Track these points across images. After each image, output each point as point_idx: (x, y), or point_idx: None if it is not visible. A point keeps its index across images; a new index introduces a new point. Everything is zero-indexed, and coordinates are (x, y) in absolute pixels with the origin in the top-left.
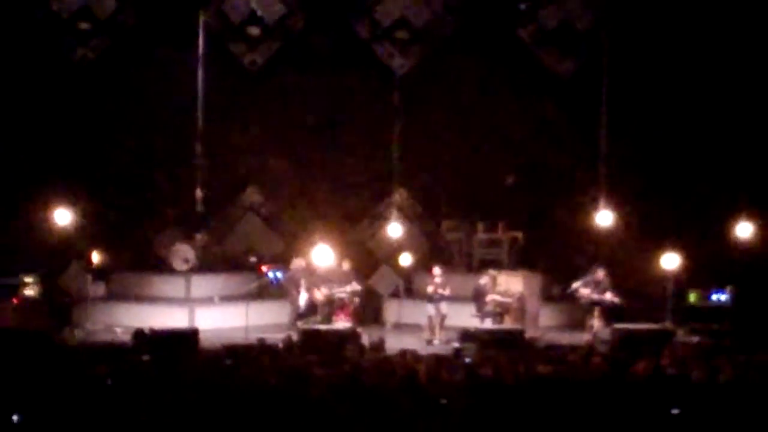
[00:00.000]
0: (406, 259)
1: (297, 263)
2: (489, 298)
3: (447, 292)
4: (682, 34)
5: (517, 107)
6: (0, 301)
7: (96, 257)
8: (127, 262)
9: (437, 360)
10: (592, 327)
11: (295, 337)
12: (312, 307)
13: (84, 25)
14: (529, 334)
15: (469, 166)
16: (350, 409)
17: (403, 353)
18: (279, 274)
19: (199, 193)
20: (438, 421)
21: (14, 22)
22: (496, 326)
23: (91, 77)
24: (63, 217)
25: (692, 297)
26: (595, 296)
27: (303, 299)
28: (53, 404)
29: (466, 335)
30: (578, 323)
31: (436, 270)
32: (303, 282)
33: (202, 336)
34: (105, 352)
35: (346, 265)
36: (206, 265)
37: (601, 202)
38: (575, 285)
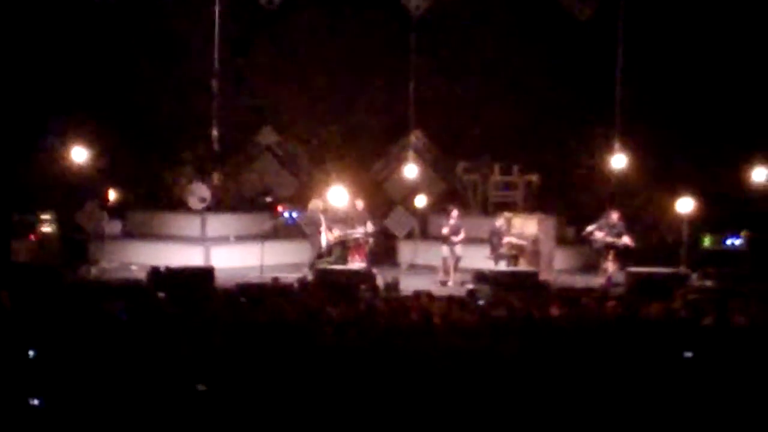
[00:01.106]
0: (421, 201)
1: (315, 204)
2: (504, 240)
3: (462, 234)
4: None
5: (534, 49)
6: (17, 238)
7: (112, 195)
8: (143, 200)
9: (451, 301)
10: (606, 270)
11: (309, 276)
12: (328, 248)
13: None
14: (543, 276)
15: (485, 109)
16: (364, 348)
17: (417, 294)
18: (294, 214)
19: (215, 131)
20: (451, 362)
21: None
22: (510, 268)
23: (109, 13)
24: (79, 154)
25: (707, 241)
26: (609, 239)
27: (324, 239)
28: (69, 340)
29: (481, 277)
30: (592, 266)
31: (452, 212)
32: (320, 222)
33: (217, 274)
34: (121, 289)
35: (360, 206)
36: (222, 204)
37: (616, 146)
38: (589, 228)
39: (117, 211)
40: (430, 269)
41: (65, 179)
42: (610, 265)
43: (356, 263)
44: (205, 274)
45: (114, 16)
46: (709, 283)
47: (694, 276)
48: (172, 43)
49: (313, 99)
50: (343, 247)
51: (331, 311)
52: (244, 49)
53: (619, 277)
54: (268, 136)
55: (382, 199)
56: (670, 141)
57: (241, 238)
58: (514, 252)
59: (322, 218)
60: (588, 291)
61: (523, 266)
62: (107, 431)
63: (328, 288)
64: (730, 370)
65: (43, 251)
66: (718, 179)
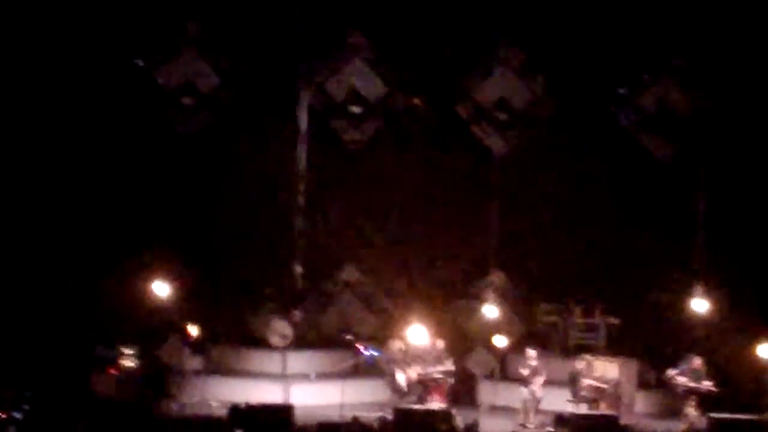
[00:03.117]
0: (501, 341)
1: (395, 344)
2: (584, 383)
3: (542, 376)
4: None
5: (616, 190)
6: (99, 372)
7: (194, 330)
8: (223, 337)
9: None
10: (687, 416)
11: (389, 416)
12: (407, 387)
13: (187, 100)
14: (624, 420)
15: (567, 249)
16: None
17: None
18: (374, 352)
19: (297, 269)
20: None
21: (122, 92)
22: (591, 412)
23: (193, 150)
24: (161, 289)
25: None
26: (691, 384)
27: (402, 379)
28: None
29: (561, 420)
30: (674, 411)
31: (531, 353)
32: (400, 361)
33: (297, 412)
34: (201, 425)
35: (440, 345)
36: (302, 341)
37: (697, 289)
38: (671, 372)
39: (198, 347)
40: (510, 411)
41: (148, 314)
42: (691, 411)
43: (435, 403)
44: (285, 411)
45: (199, 149)
46: None
47: None
48: (258, 181)
49: (395, 238)
50: (423, 386)
51: None
52: (328, 187)
53: (701, 423)
54: (349, 274)
55: (462, 339)
56: (753, 284)
57: (321, 376)
58: (594, 395)
59: (401, 357)
60: None
61: (603, 410)
62: None
63: (408, 428)
64: None
65: (123, 386)
66: None
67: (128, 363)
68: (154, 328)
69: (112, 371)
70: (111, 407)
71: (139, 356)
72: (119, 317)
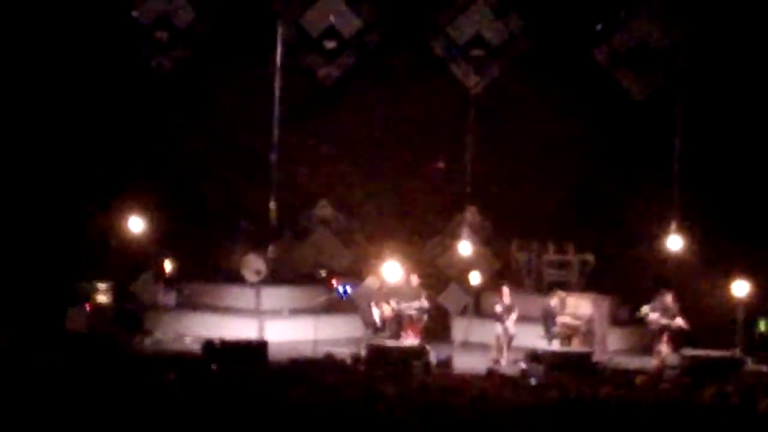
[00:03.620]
0: (475, 278)
1: (370, 280)
2: (557, 319)
3: (516, 313)
4: (760, 60)
5: (592, 128)
6: (73, 307)
7: (168, 266)
8: (198, 272)
9: (504, 380)
10: (660, 352)
11: (362, 352)
12: (382, 323)
13: (162, 35)
14: (597, 357)
15: (541, 187)
16: (416, 427)
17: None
18: (348, 289)
19: (272, 205)
20: None
21: (94, 26)
22: (563, 349)
23: (167, 86)
24: (136, 225)
25: (762, 325)
26: (664, 321)
27: (376, 315)
28: (122, 409)
29: (533, 357)
30: (646, 348)
31: (505, 290)
32: (374, 297)
33: (270, 348)
34: (175, 360)
35: (415, 282)
36: (277, 277)
37: (672, 227)
38: (644, 309)
39: (172, 282)
40: (483, 347)
41: (121, 250)
42: (664, 347)
43: (409, 339)
44: (259, 347)
45: (174, 87)
46: (763, 368)
47: (749, 360)
48: (232, 116)
49: (370, 174)
50: (397, 322)
51: (384, 388)
52: (303, 123)
53: (673, 360)
54: (323, 210)
55: (437, 276)
56: (727, 223)
57: (295, 312)
58: (567, 332)
59: (376, 294)
60: (641, 373)
61: (576, 346)
62: None
63: (381, 364)
64: None
65: (97, 320)
66: None
67: (103, 298)
68: (129, 264)
69: (87, 306)
70: (85, 342)
71: (113, 292)
72: (94, 253)
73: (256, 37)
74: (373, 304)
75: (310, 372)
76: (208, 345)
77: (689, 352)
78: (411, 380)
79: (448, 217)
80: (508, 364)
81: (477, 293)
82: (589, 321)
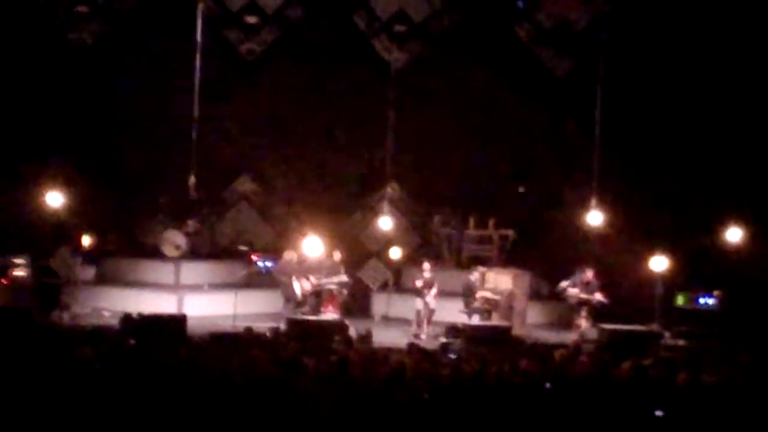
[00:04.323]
0: (395, 253)
1: (289, 254)
2: (478, 294)
3: (436, 287)
4: (679, 34)
5: (512, 104)
6: None
7: (86, 241)
8: (117, 247)
9: (423, 354)
10: (579, 326)
11: (282, 326)
12: (302, 298)
13: (82, 8)
14: (517, 331)
15: (462, 162)
16: (338, 400)
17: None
18: (269, 264)
19: (192, 179)
20: (422, 416)
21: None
22: (483, 323)
23: (87, 60)
24: (55, 199)
25: (680, 300)
26: (583, 296)
27: (297, 289)
28: (39, 385)
29: (453, 331)
30: (566, 322)
31: (426, 265)
32: (293, 272)
33: (189, 323)
34: (92, 334)
35: (336, 257)
36: (196, 252)
37: (592, 202)
38: (563, 284)
39: (91, 257)
40: (404, 321)
41: (39, 224)
42: (583, 322)
43: (329, 314)
44: (178, 321)
45: (92, 59)
46: (681, 341)
47: (667, 334)
48: (151, 89)
49: (290, 149)
50: (317, 297)
51: (304, 362)
52: (224, 98)
53: (592, 334)
54: (244, 185)
55: (358, 251)
56: (646, 198)
57: (214, 287)
58: (487, 306)
59: (296, 268)
60: (560, 347)
61: (496, 321)
62: None
63: (301, 338)
64: (702, 430)
65: (15, 295)
66: (693, 238)
67: (20, 273)
68: (47, 238)
69: (4, 281)
70: (2, 316)
71: (30, 266)
72: (11, 227)
73: (177, 12)
74: (293, 278)
75: (230, 346)
76: (127, 319)
77: (608, 326)
78: (331, 354)
79: (368, 193)
80: (428, 339)
81: (397, 268)
82: (509, 295)
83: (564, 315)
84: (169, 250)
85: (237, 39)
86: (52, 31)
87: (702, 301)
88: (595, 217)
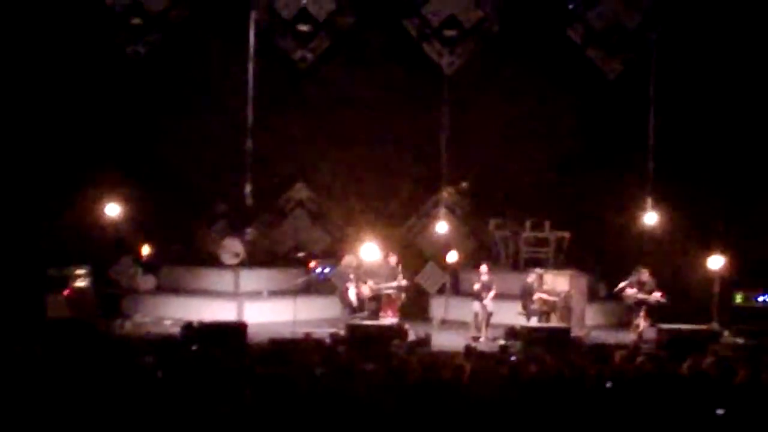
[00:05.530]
0: (452, 257)
1: (348, 259)
2: (535, 296)
3: (493, 290)
4: (730, 31)
5: (566, 106)
6: (51, 292)
7: (146, 250)
8: (176, 256)
9: (483, 358)
10: (637, 327)
11: (341, 332)
12: (360, 303)
13: (136, 20)
14: (575, 332)
15: (517, 165)
16: (396, 405)
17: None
18: (326, 270)
19: (248, 187)
20: (483, 419)
21: (70, 14)
22: (541, 324)
23: (143, 72)
24: (113, 210)
25: (738, 298)
26: (641, 296)
27: (353, 295)
28: (102, 395)
29: (512, 333)
30: (624, 323)
31: (483, 268)
32: (352, 278)
33: (250, 330)
34: (154, 343)
35: (393, 261)
36: (255, 259)
37: (649, 203)
38: (621, 285)
39: (151, 266)
40: (462, 325)
41: (99, 235)
42: (641, 322)
43: (388, 318)
44: (238, 329)
45: (150, 71)
46: (740, 340)
47: (726, 333)
48: (208, 99)
49: (345, 155)
50: (376, 302)
51: (363, 366)
52: (278, 106)
53: (651, 334)
54: (300, 192)
55: (415, 255)
56: (702, 198)
57: (273, 294)
58: (545, 308)
59: (354, 274)
60: (619, 347)
61: (554, 322)
62: None
63: (361, 343)
64: (763, 428)
65: (76, 306)
66: (750, 236)
67: (81, 284)
68: (107, 249)
69: (65, 292)
70: (65, 328)
71: (92, 277)
72: (72, 238)
73: (230, 22)
74: (351, 284)
75: (290, 352)
76: (188, 327)
77: (666, 326)
78: (390, 359)
79: (425, 198)
80: (487, 342)
81: (455, 272)
82: (567, 297)
83: (622, 315)
84: (228, 258)
85: (290, 47)
86: (107, 43)
87: (760, 299)
88: (651, 218)
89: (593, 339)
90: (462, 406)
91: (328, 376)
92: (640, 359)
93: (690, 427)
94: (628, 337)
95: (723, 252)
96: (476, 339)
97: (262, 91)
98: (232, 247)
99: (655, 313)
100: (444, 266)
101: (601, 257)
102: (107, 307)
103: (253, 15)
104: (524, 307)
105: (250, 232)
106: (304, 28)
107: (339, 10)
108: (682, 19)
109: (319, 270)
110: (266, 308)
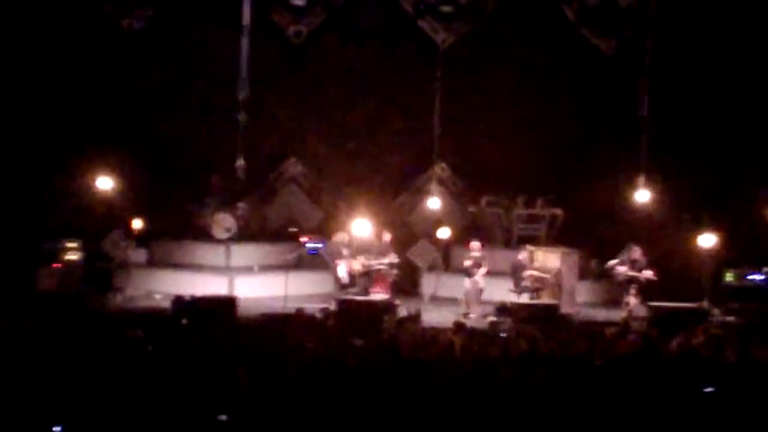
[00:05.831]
0: (444, 233)
1: (339, 235)
2: (526, 273)
3: (485, 267)
4: (726, 7)
5: (559, 83)
6: (42, 266)
7: (137, 224)
8: (168, 230)
9: (473, 333)
10: (627, 304)
11: (332, 307)
12: (351, 279)
13: None
14: (565, 309)
15: (510, 142)
16: (387, 379)
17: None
18: (318, 245)
19: (240, 162)
20: (472, 394)
21: None
22: (532, 301)
23: (136, 45)
24: (105, 183)
25: (729, 277)
26: (632, 273)
27: (342, 271)
28: (92, 368)
29: (503, 310)
30: (614, 300)
31: (474, 244)
32: (343, 253)
33: (240, 304)
34: (144, 317)
35: (385, 237)
36: (246, 234)
37: (640, 181)
38: (612, 262)
39: (142, 240)
40: (453, 301)
41: (90, 208)
42: (631, 299)
43: (379, 294)
44: (229, 303)
45: (141, 46)
46: (730, 318)
47: (716, 311)
48: (199, 74)
49: (338, 131)
50: (367, 277)
51: (354, 341)
52: (271, 80)
53: (641, 312)
54: (292, 168)
55: (406, 231)
56: (694, 176)
57: (265, 269)
58: (536, 285)
59: (345, 250)
60: (609, 325)
61: (545, 299)
62: None
63: (351, 318)
64: (752, 406)
65: (67, 279)
66: (742, 215)
67: (72, 257)
68: (98, 222)
69: (56, 265)
70: (55, 301)
71: (82, 250)
72: (63, 212)
73: None
74: (341, 260)
75: (280, 327)
76: (178, 301)
77: (656, 303)
78: (381, 334)
79: (417, 174)
80: (478, 318)
81: (446, 248)
82: (558, 274)
83: (613, 293)
84: (219, 233)
85: (284, 22)
86: (99, 17)
87: (751, 277)
88: (642, 196)
89: (583, 316)
90: (452, 381)
91: (318, 351)
92: (630, 336)
93: (679, 405)
94: (618, 314)
95: (714, 230)
96: (467, 315)
97: (256, 66)
98: (224, 222)
99: (646, 291)
100: (435, 242)
101: (593, 234)
102: (98, 280)
103: None
104: (515, 283)
105: (242, 207)
106: (298, 2)
107: None
108: None
109: (310, 245)
110: (257, 283)
